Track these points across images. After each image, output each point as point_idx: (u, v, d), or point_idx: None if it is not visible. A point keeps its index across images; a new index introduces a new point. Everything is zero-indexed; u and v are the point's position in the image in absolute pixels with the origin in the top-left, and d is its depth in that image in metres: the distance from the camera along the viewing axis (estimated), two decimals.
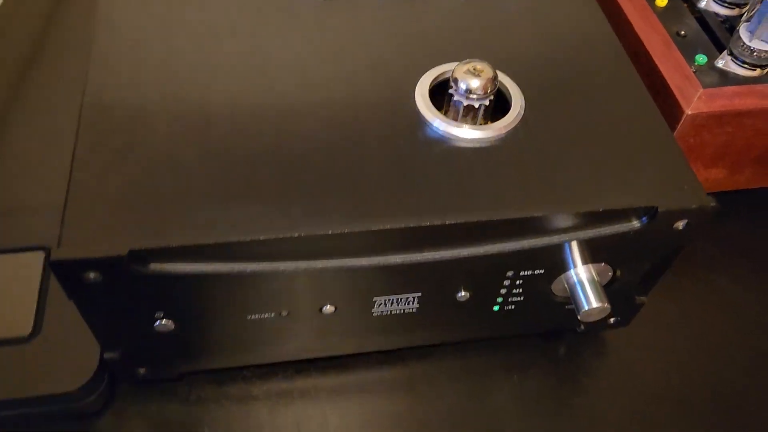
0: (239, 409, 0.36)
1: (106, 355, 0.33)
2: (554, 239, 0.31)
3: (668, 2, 0.45)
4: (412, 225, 0.28)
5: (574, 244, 0.31)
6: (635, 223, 0.31)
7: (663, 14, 0.45)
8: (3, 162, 0.44)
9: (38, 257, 0.36)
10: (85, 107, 0.31)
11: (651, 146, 0.32)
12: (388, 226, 0.28)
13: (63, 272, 0.27)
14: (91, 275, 0.27)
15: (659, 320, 0.41)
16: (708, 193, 0.30)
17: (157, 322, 0.30)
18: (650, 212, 0.30)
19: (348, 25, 0.37)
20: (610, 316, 0.38)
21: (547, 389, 0.38)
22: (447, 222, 0.29)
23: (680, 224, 0.31)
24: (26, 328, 0.34)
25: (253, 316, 0.31)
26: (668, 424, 0.37)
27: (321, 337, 0.34)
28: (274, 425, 0.36)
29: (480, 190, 0.30)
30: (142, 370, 0.34)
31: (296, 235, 0.27)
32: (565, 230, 0.31)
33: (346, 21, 0.37)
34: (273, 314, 0.32)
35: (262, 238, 0.27)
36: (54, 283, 0.36)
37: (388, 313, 0.33)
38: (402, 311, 0.33)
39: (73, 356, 0.33)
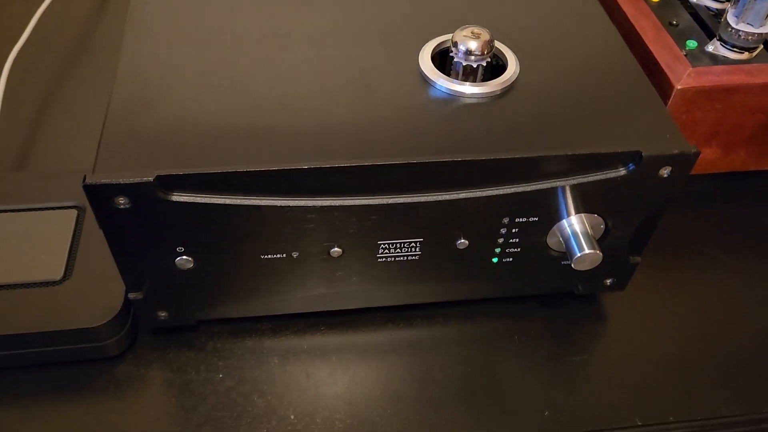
0: (252, 358, 0.38)
1: (131, 295, 0.35)
2: (546, 184, 0.33)
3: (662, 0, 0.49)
4: (414, 161, 0.31)
5: (566, 190, 0.33)
6: (621, 170, 0.33)
7: (657, 8, 0.48)
8: (44, 132, 0.48)
9: (72, 214, 0.40)
10: (120, 66, 0.35)
11: (636, 104, 0.35)
12: (391, 162, 0.31)
13: (95, 196, 0.29)
14: (121, 200, 0.30)
15: (655, 289, 0.43)
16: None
17: (178, 258, 0.33)
18: (635, 158, 0.32)
19: (357, 4, 0.40)
20: (606, 276, 0.39)
21: (546, 349, 0.39)
22: (445, 160, 0.31)
23: (665, 171, 0.33)
24: (58, 273, 0.37)
25: (266, 256, 0.34)
26: (665, 383, 0.38)
27: (329, 285, 0.36)
28: (284, 373, 0.37)
29: (478, 135, 0.33)
30: (162, 314, 0.37)
31: (306, 167, 0.30)
32: (556, 175, 0.33)
33: (355, 3, 0.40)
34: (284, 255, 0.34)
35: (274, 168, 0.30)
36: (84, 236, 0.39)
37: (393, 259, 0.35)
38: (405, 258, 0.35)
39: (100, 298, 0.36)
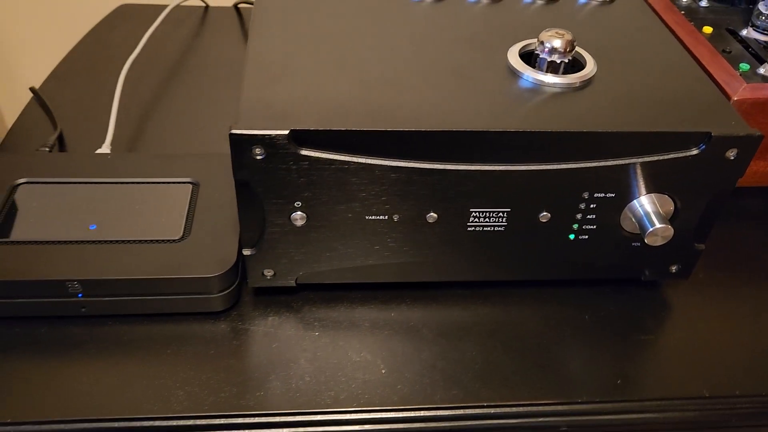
0: (345, 321, 0.41)
1: (245, 251, 0.39)
2: (624, 161, 0.37)
3: (713, 30, 0.54)
4: (507, 129, 0.35)
5: (642, 168, 0.37)
6: (693, 150, 0.37)
7: (711, 38, 0.53)
8: (166, 120, 0.54)
9: (187, 188, 0.44)
10: (249, 52, 0.40)
11: (702, 98, 0.39)
12: (488, 129, 0.35)
13: (238, 144, 0.34)
14: (257, 150, 0.35)
15: (714, 284, 0.46)
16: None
17: (294, 213, 0.37)
18: (706, 138, 0.37)
19: (453, 21, 0.46)
20: (671, 261, 0.43)
21: (615, 329, 0.42)
22: (534, 130, 0.36)
23: (731, 154, 0.37)
24: (178, 233, 0.41)
25: (370, 217, 0.38)
26: (729, 364, 0.41)
27: (420, 253, 0.40)
28: (374, 335, 0.41)
29: (562, 114, 0.37)
30: (269, 272, 0.41)
31: (414, 129, 0.35)
32: (633, 153, 0.37)
33: (451, 17, 0.46)
34: (386, 216, 0.38)
35: (389, 129, 0.35)
36: (199, 205, 0.43)
37: (481, 229, 0.39)
38: (492, 229, 0.39)
39: (215, 255, 0.40)
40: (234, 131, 0.34)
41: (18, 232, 0.41)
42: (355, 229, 0.39)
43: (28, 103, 0.58)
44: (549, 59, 0.40)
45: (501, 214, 0.39)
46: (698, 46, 0.51)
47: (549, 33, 0.40)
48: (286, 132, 0.34)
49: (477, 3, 0.48)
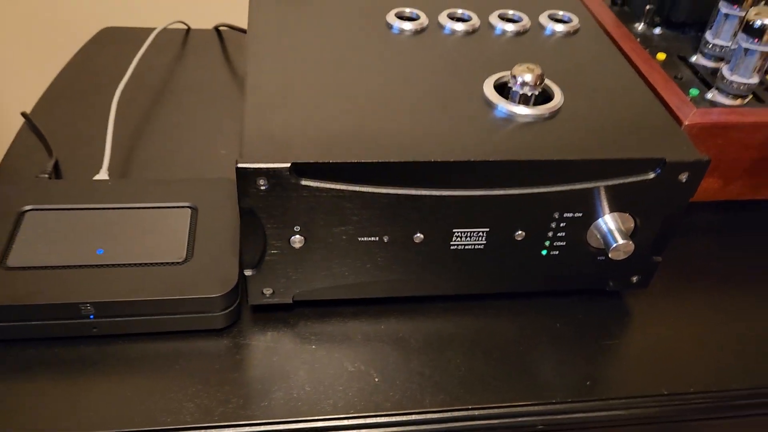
0: (339, 334, 0.45)
1: (246, 272, 0.43)
2: (589, 185, 0.41)
3: (666, 57, 0.59)
4: (489, 159, 0.39)
5: (605, 190, 0.42)
6: (650, 174, 0.42)
7: (663, 65, 0.58)
8: (158, 144, 0.57)
9: (186, 212, 0.47)
10: (248, 84, 0.44)
11: (658, 126, 0.44)
12: (472, 159, 0.39)
13: (243, 176, 0.37)
14: (261, 182, 0.38)
15: (670, 293, 0.50)
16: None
17: (293, 236, 0.41)
18: (660, 164, 0.41)
19: (431, 52, 0.50)
20: (632, 273, 0.47)
21: (583, 335, 0.47)
22: (513, 159, 0.40)
23: (683, 177, 0.42)
24: (181, 256, 0.44)
25: (362, 239, 0.42)
26: (685, 364, 0.45)
27: (408, 270, 0.44)
28: (368, 347, 0.44)
29: (534, 144, 0.41)
30: (268, 291, 0.44)
31: (406, 160, 0.39)
32: (598, 177, 0.41)
33: (429, 49, 0.50)
34: (377, 238, 0.42)
35: (382, 161, 0.38)
36: (199, 229, 0.46)
37: (462, 247, 0.43)
38: (473, 247, 0.43)
39: (217, 276, 0.43)
40: (240, 165, 0.37)
41: (30, 258, 0.43)
42: (349, 249, 0.42)
43: (21, 129, 0.60)
44: (521, 92, 0.44)
45: (481, 233, 0.43)
46: (653, 72, 0.56)
47: (521, 68, 0.44)
48: (288, 165, 0.37)
49: (452, 35, 0.52)
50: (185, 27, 0.76)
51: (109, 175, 0.53)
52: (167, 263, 0.44)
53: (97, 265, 0.43)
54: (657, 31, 0.63)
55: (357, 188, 0.39)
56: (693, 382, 0.44)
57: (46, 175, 0.52)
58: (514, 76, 0.44)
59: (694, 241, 0.55)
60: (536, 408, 0.42)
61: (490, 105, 0.44)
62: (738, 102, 0.53)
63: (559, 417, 0.42)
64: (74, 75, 0.68)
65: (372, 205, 0.40)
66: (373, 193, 0.40)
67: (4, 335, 0.42)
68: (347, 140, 0.40)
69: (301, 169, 0.38)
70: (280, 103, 0.43)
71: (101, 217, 0.46)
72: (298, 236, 0.41)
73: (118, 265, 0.43)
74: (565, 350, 0.46)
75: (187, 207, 0.48)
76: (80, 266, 0.43)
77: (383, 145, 0.40)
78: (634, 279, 0.48)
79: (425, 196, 0.40)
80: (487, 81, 0.46)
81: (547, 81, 0.46)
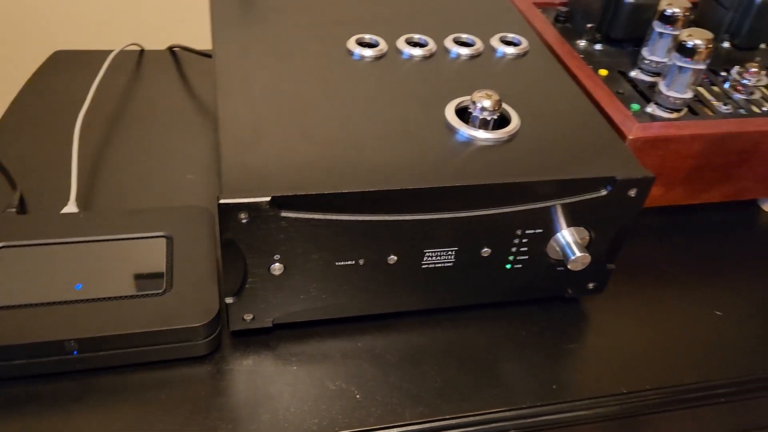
0: (319, 354, 0.47)
1: (227, 299, 0.44)
2: (548, 203, 0.45)
3: (608, 73, 0.63)
4: (451, 185, 0.42)
5: (561, 208, 0.45)
6: (602, 191, 0.45)
7: (606, 81, 0.62)
8: (123, 171, 0.57)
9: (162, 241, 0.48)
10: (221, 119, 0.45)
11: (607, 145, 0.47)
12: (437, 185, 0.42)
13: (226, 212, 0.39)
14: (242, 216, 0.39)
15: (622, 295, 0.54)
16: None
17: (272, 264, 0.42)
18: (612, 181, 0.45)
19: (392, 78, 0.52)
20: (588, 280, 0.51)
21: (547, 340, 0.50)
22: (477, 183, 0.42)
23: (632, 192, 0.45)
24: (161, 287, 0.45)
25: (339, 263, 0.44)
26: (639, 363, 0.49)
27: (382, 290, 0.46)
28: (346, 364, 0.46)
29: (496, 167, 0.44)
30: (248, 317, 0.45)
31: (378, 189, 0.41)
32: (555, 196, 0.45)
33: (390, 75, 0.52)
34: (353, 261, 0.44)
35: (356, 191, 0.40)
36: (176, 258, 0.47)
37: (433, 266, 0.46)
38: (443, 265, 0.46)
39: (199, 305, 0.44)
40: (222, 201, 0.39)
41: (9, 297, 0.43)
42: (327, 274, 0.44)
43: None
44: (480, 117, 0.47)
45: (450, 252, 0.45)
46: (597, 89, 0.60)
47: (480, 94, 0.47)
48: (269, 198, 0.39)
49: (411, 60, 0.55)
50: (139, 48, 0.76)
51: (77, 205, 0.53)
52: (147, 294, 0.45)
53: (76, 301, 0.44)
54: (598, 47, 0.67)
55: (333, 217, 0.41)
56: (648, 380, 0.48)
57: (14, 210, 0.52)
58: (474, 102, 0.47)
59: (640, 245, 0.59)
60: (509, 413, 0.45)
61: (452, 130, 0.47)
62: (675, 115, 0.58)
63: (529, 420, 0.45)
64: (30, 102, 0.67)
65: (347, 231, 0.42)
66: (348, 220, 0.42)
67: None
68: (321, 171, 0.42)
69: (279, 202, 0.40)
70: (253, 137, 0.44)
71: (76, 252, 0.47)
72: (277, 264, 0.43)
73: (98, 299, 0.44)
74: (530, 356, 0.49)
75: (162, 236, 0.49)
76: (60, 302, 0.43)
77: (356, 175, 0.42)
78: (591, 285, 0.51)
79: (397, 221, 0.43)
80: (448, 106, 0.49)
81: (504, 105, 0.49)
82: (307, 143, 0.44)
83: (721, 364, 0.50)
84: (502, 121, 0.48)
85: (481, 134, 0.47)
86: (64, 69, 0.72)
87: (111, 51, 0.72)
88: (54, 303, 0.43)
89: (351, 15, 0.59)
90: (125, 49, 0.75)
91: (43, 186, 0.57)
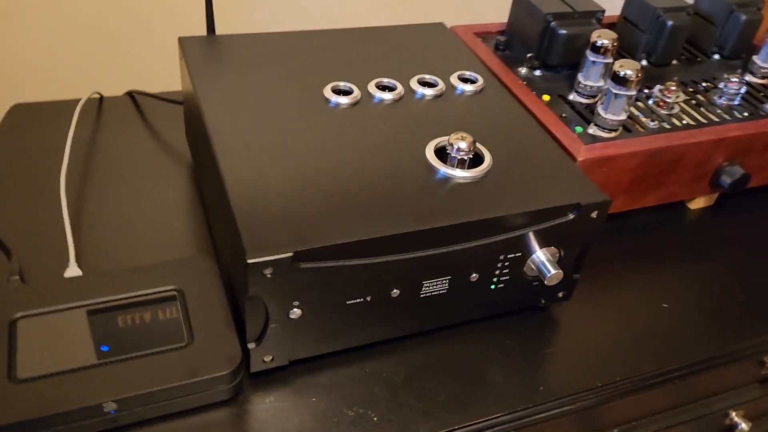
0: (333, 384, 0.51)
1: (249, 345, 0.48)
2: (525, 230, 0.51)
3: (550, 98, 0.70)
4: (446, 225, 0.47)
5: (535, 234, 0.51)
6: (570, 215, 0.52)
7: (549, 105, 0.69)
8: (111, 226, 0.59)
9: (173, 295, 0.51)
10: (225, 178, 0.48)
11: (569, 176, 0.54)
12: (420, 228, 0.47)
13: (254, 270, 0.43)
14: (267, 271, 0.43)
15: (585, 300, 0.62)
16: None
17: (292, 310, 0.47)
18: (577, 207, 0.51)
19: (369, 123, 0.57)
20: (558, 290, 0.58)
21: (528, 346, 0.56)
22: (464, 221, 0.48)
23: (594, 214, 0.52)
24: (183, 340, 0.48)
25: (349, 302, 0.48)
26: (608, 358, 0.57)
27: (387, 319, 0.51)
28: (361, 388, 0.51)
29: (475, 203, 0.50)
30: (268, 358, 0.49)
31: (379, 235, 0.46)
32: (530, 225, 0.51)
33: (367, 120, 0.57)
34: (362, 299, 0.49)
35: (367, 238, 0.45)
36: (191, 311, 0.50)
37: (430, 294, 0.51)
38: (438, 292, 0.51)
39: (222, 353, 0.48)
40: (251, 261, 0.42)
41: (39, 367, 0.45)
42: (339, 312, 0.49)
43: None
44: (458, 157, 0.53)
45: (444, 281, 0.51)
46: (544, 115, 0.67)
47: (456, 136, 0.53)
48: (291, 254, 0.43)
49: (381, 103, 0.60)
50: (98, 95, 0.77)
51: (78, 267, 0.55)
52: (172, 349, 0.48)
53: (106, 363, 0.46)
54: (537, 73, 0.74)
55: (344, 263, 0.46)
56: (617, 372, 0.56)
57: (17, 277, 0.53)
58: (451, 144, 0.53)
59: (591, 250, 0.66)
60: (508, 417, 0.51)
61: (433, 170, 0.53)
62: (613, 134, 0.66)
63: (524, 420, 0.52)
64: (1, 160, 0.67)
65: (356, 273, 0.47)
66: (357, 264, 0.46)
67: None
68: (329, 222, 0.46)
69: (300, 255, 0.44)
70: (258, 194, 0.48)
71: (94, 314, 0.49)
72: (296, 309, 0.47)
73: (126, 358, 0.47)
74: (517, 363, 0.55)
75: (173, 290, 0.51)
76: (90, 366, 0.46)
77: (361, 223, 0.47)
78: (560, 294, 0.58)
79: (399, 260, 0.48)
80: (428, 147, 0.54)
81: (478, 144, 0.55)
82: (308, 195, 0.48)
83: (673, 351, 0.58)
84: (477, 159, 0.54)
85: (459, 173, 0.52)
86: (28, 123, 0.72)
87: (71, 100, 0.73)
88: (85, 368, 0.46)
89: (319, 63, 0.63)
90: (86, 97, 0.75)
91: (34, 249, 0.58)
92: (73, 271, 0.54)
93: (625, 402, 0.57)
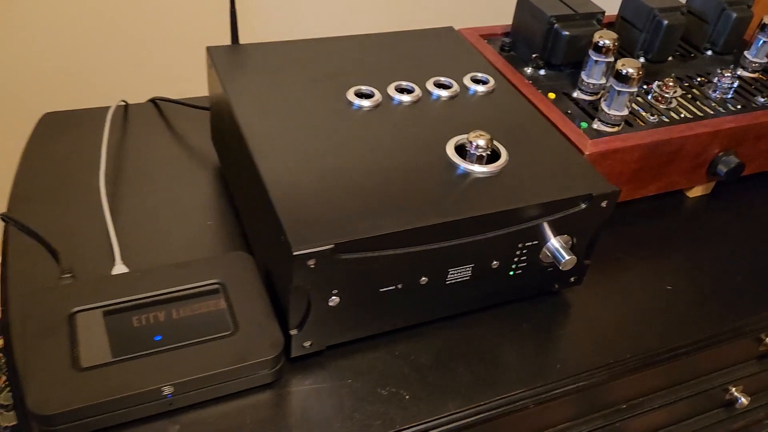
0: (365, 367, 0.55)
1: (291, 332, 0.52)
2: (541, 220, 0.55)
3: (555, 96, 0.74)
4: (469, 216, 0.52)
5: (549, 223, 0.56)
6: (582, 205, 0.56)
7: (555, 102, 0.73)
8: (154, 226, 0.63)
9: (217, 288, 0.55)
10: (265, 178, 0.52)
11: (577, 168, 0.59)
12: (446, 220, 0.51)
13: (298, 261, 0.47)
14: (310, 262, 0.47)
15: (595, 284, 0.66)
16: None
17: (331, 298, 0.51)
18: (589, 198, 0.56)
19: (391, 124, 0.61)
20: (570, 275, 0.62)
21: (543, 328, 0.61)
22: (477, 214, 0.52)
23: (604, 203, 0.57)
24: (229, 328, 0.52)
25: (382, 289, 0.52)
26: (618, 337, 0.61)
27: (415, 305, 0.55)
28: (391, 369, 0.55)
29: (490, 195, 0.54)
30: (307, 344, 0.53)
31: (410, 227, 0.50)
32: (545, 215, 0.55)
33: (389, 121, 0.61)
34: (393, 287, 0.53)
35: (397, 230, 0.49)
36: (234, 302, 0.54)
37: (455, 281, 0.55)
38: (462, 279, 0.55)
39: (266, 339, 0.52)
40: (296, 252, 0.46)
41: (100, 356, 0.49)
42: (373, 299, 0.53)
43: (6, 232, 0.63)
44: (477, 154, 0.57)
45: (467, 268, 0.55)
46: (551, 112, 0.71)
47: (474, 134, 0.57)
48: (332, 246, 0.47)
49: (400, 105, 0.64)
50: (124, 103, 0.81)
51: (125, 265, 0.59)
52: (219, 337, 0.51)
53: (161, 351, 0.50)
54: (542, 72, 0.78)
55: (378, 253, 0.50)
56: (627, 350, 0.60)
57: (68, 275, 0.57)
58: (470, 142, 0.57)
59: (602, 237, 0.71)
60: (528, 392, 0.55)
61: (454, 166, 0.57)
62: (616, 129, 0.70)
63: (544, 396, 0.56)
64: (38, 167, 0.71)
65: (389, 263, 0.51)
66: (390, 254, 0.50)
67: (95, 427, 0.47)
68: (364, 216, 0.50)
69: (339, 247, 0.48)
70: (296, 191, 0.52)
71: (145, 307, 0.53)
72: (334, 297, 0.51)
73: (179, 347, 0.50)
74: (534, 344, 0.59)
75: (217, 284, 0.55)
76: (146, 354, 0.50)
77: (393, 216, 0.51)
78: (572, 279, 0.62)
79: (428, 249, 0.52)
80: (448, 145, 0.58)
81: (495, 141, 0.59)
82: (341, 192, 0.52)
83: (678, 329, 0.63)
84: (494, 155, 0.58)
85: (478, 168, 0.56)
86: (60, 130, 0.75)
87: (99, 108, 0.77)
88: (141, 356, 0.49)
89: (340, 68, 0.67)
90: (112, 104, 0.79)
91: (79, 249, 0.62)
92: (120, 268, 0.58)
93: (634, 378, 0.61)
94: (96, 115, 0.77)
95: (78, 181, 0.68)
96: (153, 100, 0.82)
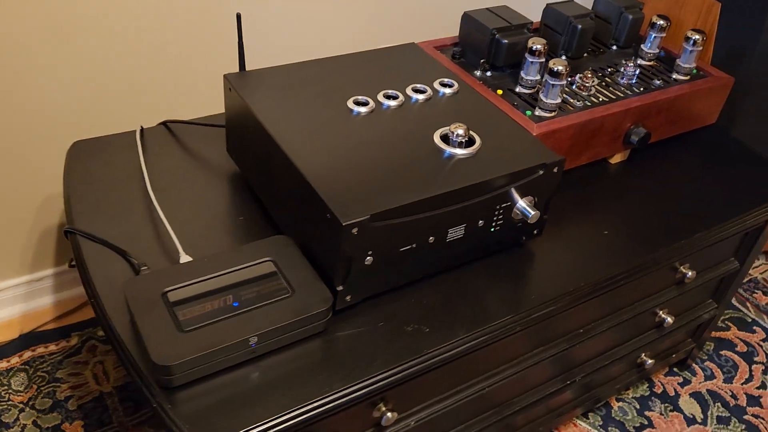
0: (391, 313, 0.71)
1: (338, 288, 0.67)
2: (513, 185, 0.73)
3: (503, 92, 0.93)
4: (456, 187, 0.69)
5: (517, 188, 0.73)
6: (540, 172, 0.74)
7: (503, 97, 0.92)
8: (205, 225, 0.77)
9: (271, 263, 0.69)
10: (295, 161, 0.68)
11: (532, 146, 0.77)
12: (446, 190, 0.68)
13: (345, 230, 0.62)
14: (354, 230, 0.63)
15: (551, 236, 0.85)
16: None
17: (366, 259, 0.66)
18: (544, 166, 0.74)
19: (385, 123, 0.77)
20: (533, 228, 0.80)
21: (517, 273, 0.79)
22: (467, 184, 0.69)
23: (555, 169, 0.75)
24: (288, 291, 0.67)
25: (401, 248, 0.69)
26: (574, 273, 0.80)
27: (424, 260, 0.72)
28: (415, 309, 0.71)
29: (473, 170, 0.71)
30: (348, 297, 0.69)
31: (421, 198, 0.66)
32: (515, 181, 0.73)
33: (384, 121, 0.77)
34: (408, 246, 0.69)
35: (411, 201, 0.66)
36: (286, 273, 0.69)
37: (452, 238, 0.72)
38: (457, 237, 0.72)
39: (318, 296, 0.67)
40: (345, 222, 0.62)
41: (194, 320, 0.63)
42: (395, 257, 0.69)
43: (74, 243, 0.75)
44: (458, 140, 0.74)
45: (461, 228, 0.72)
46: (502, 104, 0.89)
47: (455, 126, 0.74)
48: (368, 216, 0.63)
49: (389, 109, 0.80)
50: (140, 127, 0.93)
51: (189, 255, 0.72)
52: (282, 298, 0.66)
53: (240, 312, 0.64)
54: (488, 74, 0.97)
55: (398, 220, 0.66)
56: (582, 279, 0.79)
57: (146, 268, 0.70)
58: (452, 131, 0.74)
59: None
60: (517, 317, 0.73)
61: (441, 151, 0.74)
62: (553, 114, 0.89)
63: (528, 318, 0.74)
64: (82, 187, 0.82)
65: (406, 227, 0.67)
66: (408, 220, 0.67)
67: (200, 374, 0.61)
68: (385, 191, 0.67)
69: (374, 216, 0.64)
70: (328, 174, 0.67)
71: (218, 283, 0.67)
72: (369, 258, 0.67)
73: (254, 308, 0.65)
74: (513, 284, 0.77)
75: (269, 260, 0.70)
76: (230, 316, 0.64)
77: (406, 190, 0.67)
78: (535, 231, 0.81)
79: (435, 214, 0.69)
80: (435, 135, 0.75)
81: (471, 131, 0.76)
82: (361, 176, 0.68)
83: (614, 261, 0.82)
84: (470, 141, 0.76)
85: (460, 151, 0.74)
86: (91, 155, 0.87)
87: (121, 133, 0.89)
88: (226, 317, 0.64)
89: (335, 83, 0.83)
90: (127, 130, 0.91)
91: (144, 249, 0.74)
92: (185, 258, 0.72)
93: (587, 304, 0.80)
94: (119, 139, 0.89)
95: (121, 195, 0.81)
96: (164, 123, 0.95)
